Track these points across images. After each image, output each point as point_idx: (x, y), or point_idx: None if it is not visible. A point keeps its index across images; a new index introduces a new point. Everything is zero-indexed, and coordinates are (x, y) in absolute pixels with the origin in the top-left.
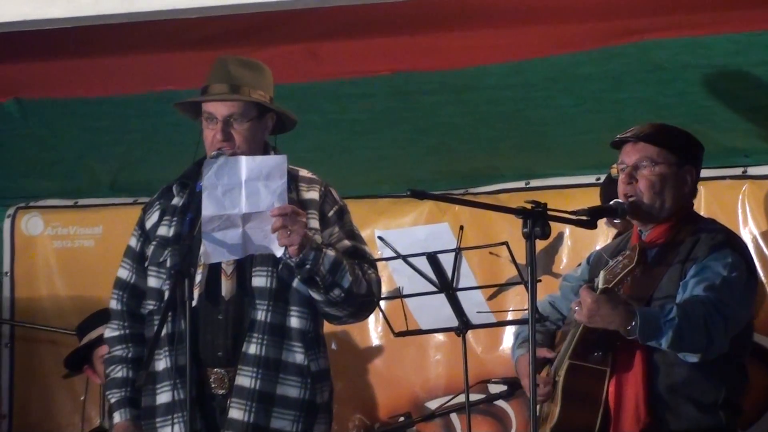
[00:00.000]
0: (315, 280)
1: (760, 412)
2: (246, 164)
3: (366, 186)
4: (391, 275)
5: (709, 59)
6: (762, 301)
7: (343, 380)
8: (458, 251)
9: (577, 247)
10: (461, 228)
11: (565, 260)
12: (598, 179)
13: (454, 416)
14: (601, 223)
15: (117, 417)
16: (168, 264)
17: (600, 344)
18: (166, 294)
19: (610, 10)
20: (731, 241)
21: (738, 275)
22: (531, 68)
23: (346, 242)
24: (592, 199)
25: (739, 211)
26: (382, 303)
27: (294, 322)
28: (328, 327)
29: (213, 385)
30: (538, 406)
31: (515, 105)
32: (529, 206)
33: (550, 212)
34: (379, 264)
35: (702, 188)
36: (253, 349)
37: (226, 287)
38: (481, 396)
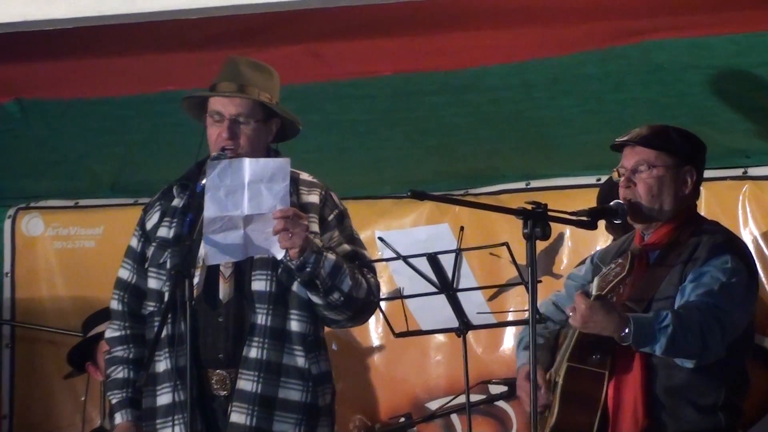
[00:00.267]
0: (315, 284)
1: (760, 413)
2: (249, 166)
3: (367, 186)
4: (392, 276)
5: (710, 60)
6: (764, 303)
7: (344, 381)
8: (459, 252)
9: (578, 247)
10: (462, 229)
11: (565, 261)
12: (599, 180)
13: (454, 417)
14: (602, 223)
15: (118, 418)
16: (168, 265)
17: (598, 347)
18: (166, 295)
19: (611, 10)
20: (732, 245)
21: (737, 280)
22: (532, 69)
23: (346, 246)
24: (592, 199)
25: (740, 211)
26: (383, 304)
27: (294, 325)
28: (328, 328)
29: (215, 387)
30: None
31: (516, 106)
32: (529, 207)
33: (550, 213)
34: (380, 265)
35: (703, 189)
36: (254, 353)
37: (224, 290)
38: (482, 397)
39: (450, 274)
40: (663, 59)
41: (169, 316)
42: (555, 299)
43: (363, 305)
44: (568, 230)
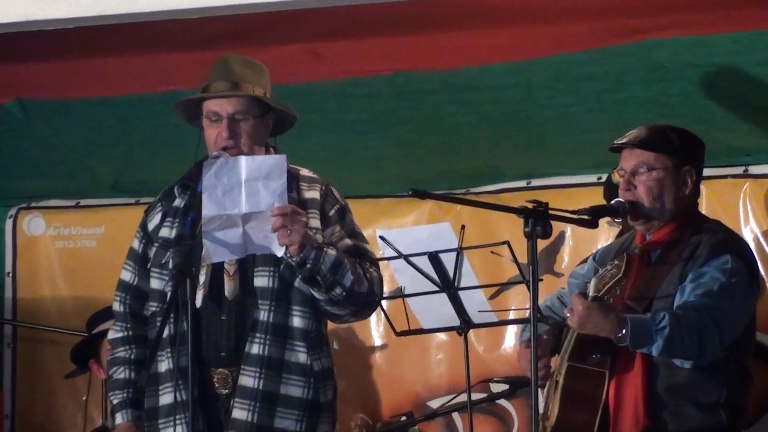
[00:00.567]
0: (316, 280)
1: (761, 412)
2: (246, 164)
3: (367, 186)
4: (393, 275)
5: (710, 58)
6: (766, 301)
7: (345, 380)
8: (460, 251)
9: (579, 246)
10: (463, 227)
11: (566, 259)
12: (600, 178)
13: (456, 415)
14: (603, 222)
15: (119, 418)
16: (170, 265)
17: (599, 346)
18: (169, 295)
19: (611, 9)
20: (733, 245)
21: (737, 281)
22: (532, 68)
23: (348, 241)
24: (593, 198)
25: (741, 210)
26: (384, 303)
27: (296, 321)
28: (330, 326)
29: (216, 385)
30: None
31: (516, 105)
32: (530, 205)
33: (551, 211)
34: (381, 264)
35: (703, 187)
36: (255, 349)
37: (229, 288)
38: (483, 395)
39: (451, 273)
40: (663, 58)
41: (172, 315)
42: (560, 294)
43: (365, 299)
44: (569, 229)
